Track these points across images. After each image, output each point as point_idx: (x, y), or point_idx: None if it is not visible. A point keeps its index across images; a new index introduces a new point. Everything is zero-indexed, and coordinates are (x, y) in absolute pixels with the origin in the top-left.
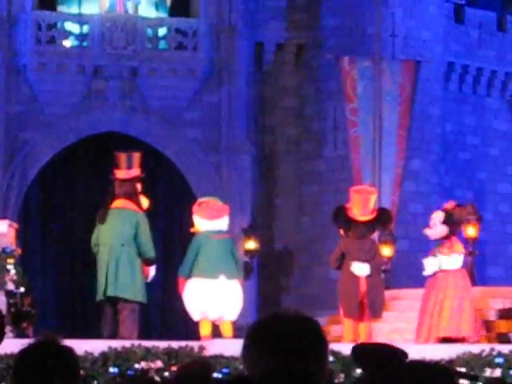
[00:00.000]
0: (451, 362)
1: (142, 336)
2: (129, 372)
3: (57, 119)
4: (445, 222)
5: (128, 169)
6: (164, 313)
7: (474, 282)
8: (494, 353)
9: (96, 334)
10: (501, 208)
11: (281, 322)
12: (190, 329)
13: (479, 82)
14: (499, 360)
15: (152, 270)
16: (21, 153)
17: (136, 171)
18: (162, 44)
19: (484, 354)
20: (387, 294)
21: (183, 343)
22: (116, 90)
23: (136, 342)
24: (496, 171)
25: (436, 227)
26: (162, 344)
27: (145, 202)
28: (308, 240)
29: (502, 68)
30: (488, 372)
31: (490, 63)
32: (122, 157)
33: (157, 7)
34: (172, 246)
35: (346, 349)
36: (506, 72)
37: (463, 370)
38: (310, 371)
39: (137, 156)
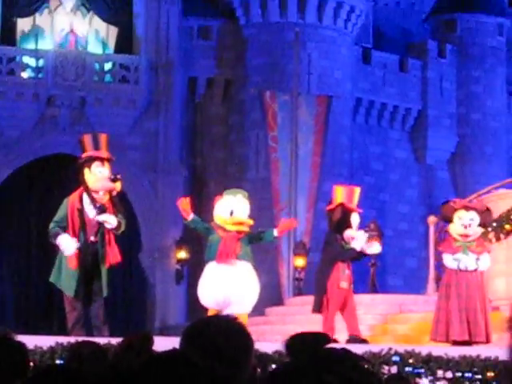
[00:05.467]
0: None
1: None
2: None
3: (14, 141)
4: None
5: (95, 150)
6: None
7: (376, 290)
8: (391, 352)
9: (47, 330)
10: (400, 226)
11: (212, 326)
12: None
13: (383, 116)
14: (395, 358)
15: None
16: None
17: (105, 153)
18: (108, 77)
19: (383, 352)
20: (299, 300)
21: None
22: (66, 116)
23: (80, 338)
24: (396, 194)
25: None
26: (103, 340)
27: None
28: None
29: (403, 104)
30: (386, 369)
31: (392, 99)
32: (87, 138)
33: (103, 44)
34: None
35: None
36: (406, 107)
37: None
38: (236, 370)
39: (103, 137)
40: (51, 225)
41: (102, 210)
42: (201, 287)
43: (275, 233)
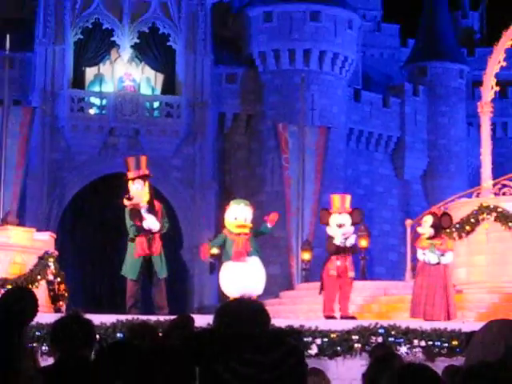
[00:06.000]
0: (349, 332)
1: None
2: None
3: (83, 163)
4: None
5: (137, 169)
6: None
7: (365, 278)
8: (378, 326)
9: (109, 310)
10: (384, 227)
11: (237, 307)
12: None
13: (370, 142)
14: (381, 330)
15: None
16: (58, 186)
17: (143, 171)
18: (156, 113)
19: (371, 326)
20: (306, 286)
21: (169, 317)
22: (124, 144)
23: (135, 316)
24: (381, 202)
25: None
26: (153, 318)
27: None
28: None
29: (386, 132)
30: (373, 339)
31: (377, 129)
32: (131, 160)
33: (152, 88)
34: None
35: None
36: (388, 135)
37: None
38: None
39: (143, 158)
40: (129, 227)
41: (151, 211)
42: (222, 281)
43: (268, 225)
